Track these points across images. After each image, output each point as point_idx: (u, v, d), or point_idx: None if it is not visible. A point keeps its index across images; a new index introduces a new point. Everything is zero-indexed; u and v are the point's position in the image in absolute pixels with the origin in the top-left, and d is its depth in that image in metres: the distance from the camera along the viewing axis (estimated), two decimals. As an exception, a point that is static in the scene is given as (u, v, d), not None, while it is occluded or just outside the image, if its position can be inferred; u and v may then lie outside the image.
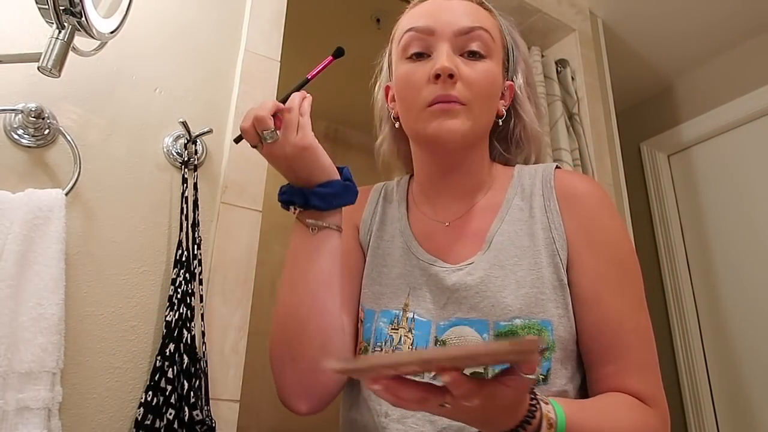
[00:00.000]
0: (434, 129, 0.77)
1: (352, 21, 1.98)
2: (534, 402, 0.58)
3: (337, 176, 0.78)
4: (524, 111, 0.87)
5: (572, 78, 1.81)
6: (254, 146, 0.76)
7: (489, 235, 0.80)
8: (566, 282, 0.75)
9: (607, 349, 0.73)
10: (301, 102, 0.76)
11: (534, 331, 0.71)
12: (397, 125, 0.87)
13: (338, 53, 0.82)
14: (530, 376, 0.52)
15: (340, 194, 0.78)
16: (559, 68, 1.82)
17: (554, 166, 0.84)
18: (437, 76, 0.77)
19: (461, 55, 0.80)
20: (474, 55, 0.80)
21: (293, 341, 0.76)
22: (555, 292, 0.74)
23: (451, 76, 0.76)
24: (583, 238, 0.76)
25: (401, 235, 0.86)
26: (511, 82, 0.86)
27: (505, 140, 0.89)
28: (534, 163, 0.91)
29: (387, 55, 0.92)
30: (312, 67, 0.81)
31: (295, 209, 0.78)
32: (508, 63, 0.87)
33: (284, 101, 0.76)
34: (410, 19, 0.85)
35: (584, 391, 0.75)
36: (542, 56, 1.80)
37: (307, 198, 0.77)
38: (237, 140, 0.78)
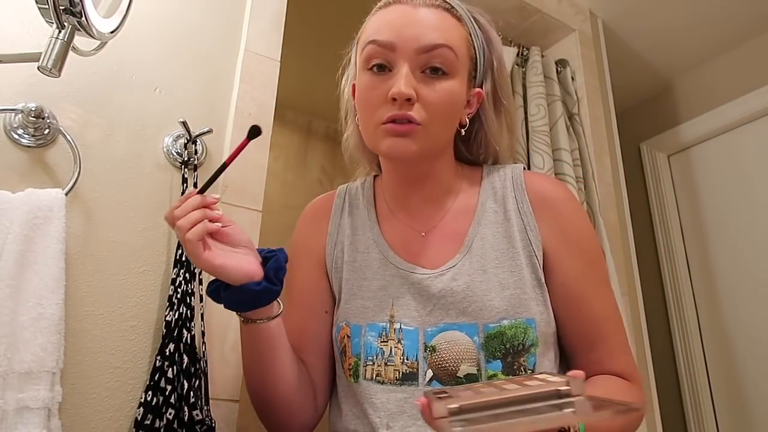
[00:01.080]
0: (387, 147, 0.77)
1: (352, 21, 1.97)
2: None
3: (257, 277, 0.73)
4: (486, 118, 0.86)
5: (572, 78, 1.81)
6: None
7: (468, 238, 0.82)
8: (543, 281, 0.79)
9: (589, 340, 0.80)
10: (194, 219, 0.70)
11: (520, 330, 0.75)
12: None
13: (253, 133, 0.74)
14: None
15: (252, 301, 0.74)
16: (559, 68, 1.82)
17: (521, 168, 0.87)
18: (394, 99, 0.75)
19: (423, 72, 0.77)
20: (436, 72, 0.77)
21: (261, 406, 0.83)
22: (535, 290, 0.78)
23: (408, 100, 0.75)
24: (560, 239, 0.81)
25: (376, 245, 0.86)
26: (480, 90, 0.85)
27: (467, 142, 0.89)
28: (493, 164, 0.92)
29: (355, 48, 0.90)
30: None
31: None
32: (476, 72, 0.84)
33: (202, 191, 0.73)
34: (374, 27, 0.82)
35: (562, 372, 0.81)
36: (542, 56, 1.79)
37: (221, 301, 0.75)
38: None
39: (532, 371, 0.75)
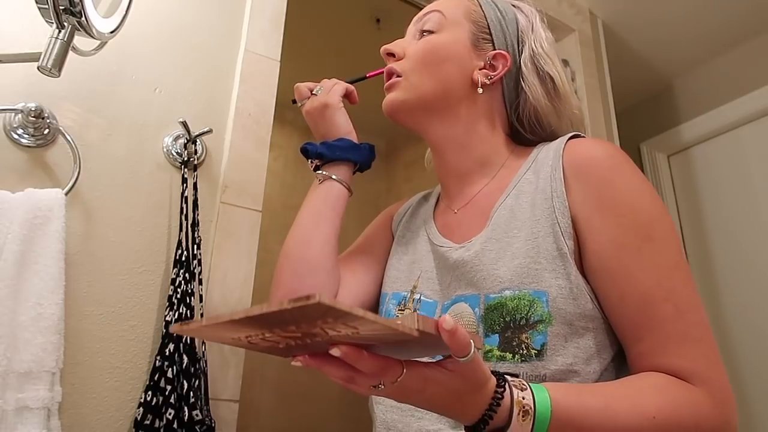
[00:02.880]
0: (383, 107, 0.85)
1: (352, 21, 1.97)
2: (501, 389, 0.54)
3: (352, 138, 0.89)
4: (527, 85, 0.84)
5: (572, 78, 1.81)
6: (300, 103, 0.91)
7: (492, 211, 0.78)
8: (567, 251, 0.68)
9: (637, 324, 0.65)
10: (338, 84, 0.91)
11: (524, 302, 0.67)
12: None
13: None
14: (462, 359, 0.49)
15: (344, 148, 0.88)
16: (559, 68, 1.82)
17: (569, 136, 0.78)
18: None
19: (419, 38, 0.87)
20: (425, 34, 0.86)
21: (277, 271, 0.85)
22: (554, 262, 0.68)
23: (391, 55, 0.87)
24: (594, 204, 0.70)
25: (424, 224, 0.89)
26: (500, 51, 0.84)
27: (521, 121, 0.87)
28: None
29: None
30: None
31: (312, 162, 0.89)
32: (491, 36, 0.85)
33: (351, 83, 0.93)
34: None
35: (618, 372, 0.69)
36: (542, 56, 1.79)
37: (317, 147, 0.88)
38: (294, 101, 0.93)
39: (539, 351, 0.65)
